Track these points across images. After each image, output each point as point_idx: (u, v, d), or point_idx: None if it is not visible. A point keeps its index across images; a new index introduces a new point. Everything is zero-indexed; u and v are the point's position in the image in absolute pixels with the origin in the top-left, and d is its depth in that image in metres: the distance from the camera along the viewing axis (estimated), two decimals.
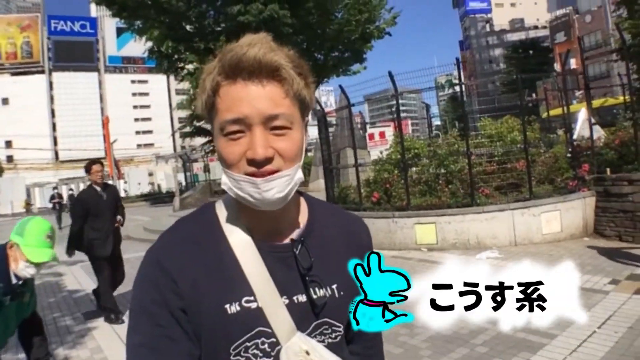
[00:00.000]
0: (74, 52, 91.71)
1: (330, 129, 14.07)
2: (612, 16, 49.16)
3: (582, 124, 11.18)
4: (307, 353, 1.02)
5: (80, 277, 10.36)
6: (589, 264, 7.36)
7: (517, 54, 56.56)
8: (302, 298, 1.07)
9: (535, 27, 77.72)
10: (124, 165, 58.73)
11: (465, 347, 4.85)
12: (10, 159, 76.56)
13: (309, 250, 1.08)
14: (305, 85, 1.03)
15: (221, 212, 1.11)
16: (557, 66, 50.31)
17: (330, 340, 1.11)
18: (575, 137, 10.58)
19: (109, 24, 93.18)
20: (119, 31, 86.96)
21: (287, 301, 1.04)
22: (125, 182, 43.51)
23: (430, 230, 9.27)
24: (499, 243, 8.90)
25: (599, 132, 11.22)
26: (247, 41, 0.97)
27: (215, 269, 1.02)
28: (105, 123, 46.71)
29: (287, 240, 1.09)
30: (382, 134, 12.69)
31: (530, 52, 53.73)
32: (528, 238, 8.94)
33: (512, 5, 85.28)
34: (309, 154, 37.72)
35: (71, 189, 24.61)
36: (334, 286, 1.12)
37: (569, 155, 10.11)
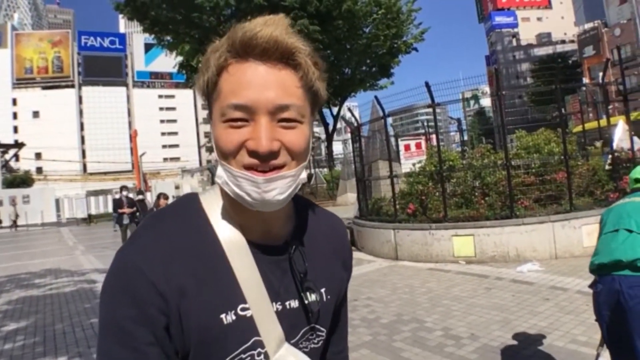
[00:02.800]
0: (103, 67, 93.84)
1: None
2: None
3: (620, 136, 10.95)
4: None
5: None
6: None
7: (545, 68, 56.02)
8: (295, 304, 0.99)
9: (563, 42, 76.94)
10: (151, 178, 59.49)
11: (515, 359, 4.74)
12: (39, 170, 78.08)
13: (302, 253, 1.01)
14: (319, 77, 0.92)
15: (209, 207, 0.98)
16: (586, 80, 49.72)
17: (313, 345, 1.04)
18: (614, 148, 10.38)
19: (137, 40, 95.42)
20: (147, 47, 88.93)
21: (280, 307, 0.96)
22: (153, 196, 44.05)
23: (468, 242, 9.15)
24: (539, 256, 8.73)
25: (638, 144, 11.00)
26: (262, 20, 0.87)
27: (207, 275, 0.90)
28: (133, 136, 47.44)
29: (279, 241, 1.00)
30: (418, 145, 12.57)
31: (559, 65, 53.04)
32: (569, 251, 8.76)
33: (539, 19, 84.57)
34: (336, 168, 37.83)
35: (141, 193, 19.54)
36: (323, 290, 1.05)
37: (608, 167, 9.91)
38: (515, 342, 5.13)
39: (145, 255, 0.87)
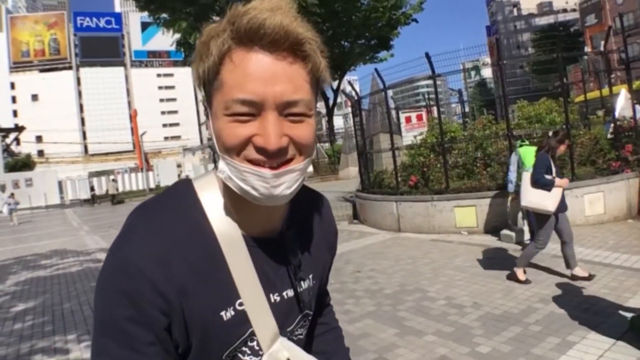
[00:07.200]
0: (100, 48, 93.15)
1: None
2: None
3: (622, 104, 10.89)
4: None
5: None
6: (636, 245, 7.22)
7: (546, 37, 55.36)
8: (291, 293, 1.00)
9: (565, 10, 75.94)
10: (153, 157, 59.57)
11: (518, 326, 4.79)
12: (41, 153, 78.15)
13: (295, 243, 1.01)
14: (326, 66, 0.88)
15: (205, 197, 0.94)
16: (588, 49, 49.21)
17: (305, 331, 1.08)
18: (616, 117, 10.33)
19: (133, 19, 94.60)
20: (144, 26, 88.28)
21: (278, 299, 0.97)
22: (158, 174, 43.97)
23: (470, 213, 9.17)
24: None
25: None
26: (267, 5, 0.80)
27: (206, 272, 0.88)
28: (133, 116, 47.45)
29: (275, 233, 0.99)
30: (419, 117, 12.50)
31: (561, 34, 52.49)
32: (571, 220, 8.66)
33: None
34: (337, 142, 37.83)
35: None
36: (311, 276, 1.07)
37: (610, 135, 9.87)
38: (517, 311, 5.18)
39: (144, 253, 0.83)
